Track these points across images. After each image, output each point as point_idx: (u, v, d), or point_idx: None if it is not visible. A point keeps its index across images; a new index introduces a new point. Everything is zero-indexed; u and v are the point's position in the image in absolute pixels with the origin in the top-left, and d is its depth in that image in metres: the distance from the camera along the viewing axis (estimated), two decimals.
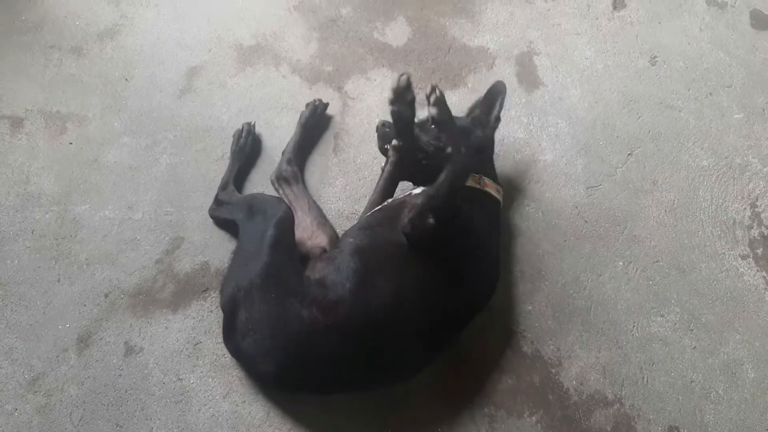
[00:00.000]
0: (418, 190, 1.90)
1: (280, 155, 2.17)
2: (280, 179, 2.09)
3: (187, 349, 1.88)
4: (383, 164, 1.99)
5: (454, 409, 1.85)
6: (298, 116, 2.25)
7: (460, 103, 2.31)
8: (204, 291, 1.96)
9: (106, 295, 1.94)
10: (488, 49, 2.56)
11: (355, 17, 2.59)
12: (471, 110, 2.14)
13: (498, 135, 2.31)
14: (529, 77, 2.50)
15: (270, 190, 2.12)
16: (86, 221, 2.05)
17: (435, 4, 2.65)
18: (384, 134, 1.98)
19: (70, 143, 2.19)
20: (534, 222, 2.18)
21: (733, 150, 2.38)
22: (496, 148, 2.15)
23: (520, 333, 1.99)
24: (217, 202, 2.04)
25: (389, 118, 1.79)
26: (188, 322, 1.91)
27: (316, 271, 1.69)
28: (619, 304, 2.05)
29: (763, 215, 2.25)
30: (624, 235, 2.18)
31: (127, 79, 2.34)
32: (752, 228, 2.23)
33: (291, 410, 1.80)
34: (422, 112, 1.81)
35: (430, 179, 1.74)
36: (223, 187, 2.06)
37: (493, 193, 1.92)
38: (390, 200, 1.94)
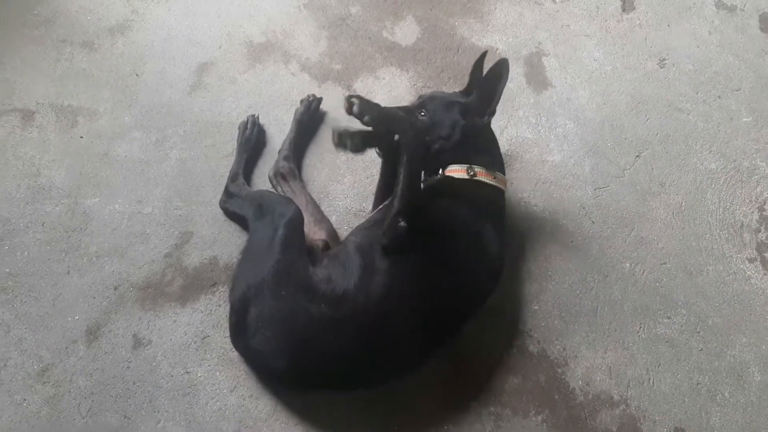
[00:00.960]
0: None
1: None
2: (278, 176, 2.10)
3: (195, 342, 1.88)
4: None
5: (461, 407, 1.86)
6: None
7: None
8: (212, 285, 1.97)
9: (115, 288, 1.94)
10: (497, 49, 2.56)
11: (365, 16, 2.60)
12: (470, 85, 2.01)
13: (506, 135, 2.33)
14: (537, 78, 2.50)
15: (269, 188, 2.13)
16: (96, 214, 2.06)
17: (444, 4, 2.66)
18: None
19: (81, 137, 2.20)
20: (541, 222, 2.18)
21: (741, 153, 2.39)
22: (504, 148, 2.15)
23: (526, 332, 1.99)
24: (227, 193, 2.05)
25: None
26: (196, 315, 1.92)
27: (322, 268, 1.71)
28: (626, 305, 2.06)
29: None
30: (631, 236, 2.18)
31: (137, 74, 2.35)
32: (760, 231, 2.23)
33: (298, 405, 1.81)
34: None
35: (432, 168, 1.85)
36: (233, 178, 2.07)
37: (488, 181, 1.86)
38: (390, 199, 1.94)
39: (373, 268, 1.66)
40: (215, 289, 1.96)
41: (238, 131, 2.21)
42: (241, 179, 2.07)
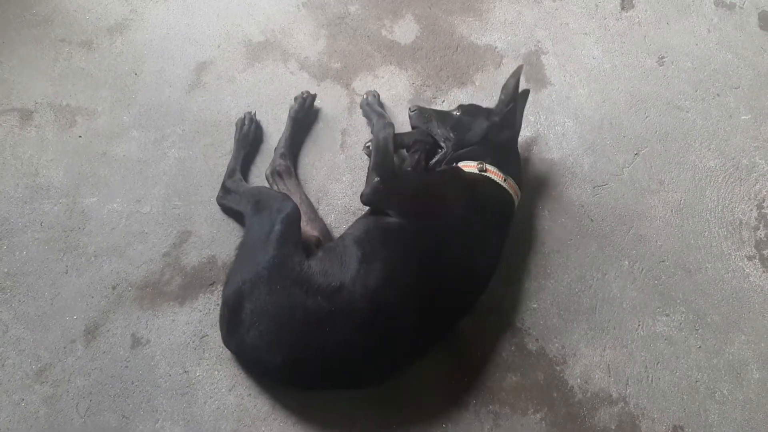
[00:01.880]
0: None
1: None
2: (275, 174, 2.11)
3: (193, 341, 1.88)
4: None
5: (459, 405, 1.86)
6: None
7: (467, 101, 2.31)
8: (211, 284, 1.97)
9: (113, 288, 1.95)
10: (496, 47, 2.56)
11: (364, 15, 2.59)
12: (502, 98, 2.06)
13: None
14: (536, 76, 2.50)
15: (266, 185, 2.13)
16: (95, 214, 2.06)
17: (443, 3, 2.66)
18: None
19: (80, 136, 2.20)
20: (540, 220, 2.18)
21: (740, 151, 2.38)
22: None
23: (525, 330, 1.99)
24: (225, 189, 2.05)
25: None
26: (195, 315, 1.92)
27: (318, 261, 1.71)
28: (625, 303, 2.06)
29: None
30: (630, 234, 2.18)
31: (136, 74, 2.35)
32: (759, 229, 2.23)
33: (296, 404, 1.81)
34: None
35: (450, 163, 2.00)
36: (230, 174, 2.08)
37: (498, 180, 1.92)
38: None
39: (371, 259, 1.67)
40: (214, 288, 1.96)
41: (235, 128, 2.21)
42: (238, 175, 2.08)
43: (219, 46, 2.45)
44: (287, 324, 1.61)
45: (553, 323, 2.01)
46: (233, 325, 1.68)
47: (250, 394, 1.82)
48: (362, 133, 2.29)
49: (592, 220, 2.20)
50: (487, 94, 2.40)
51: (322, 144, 2.27)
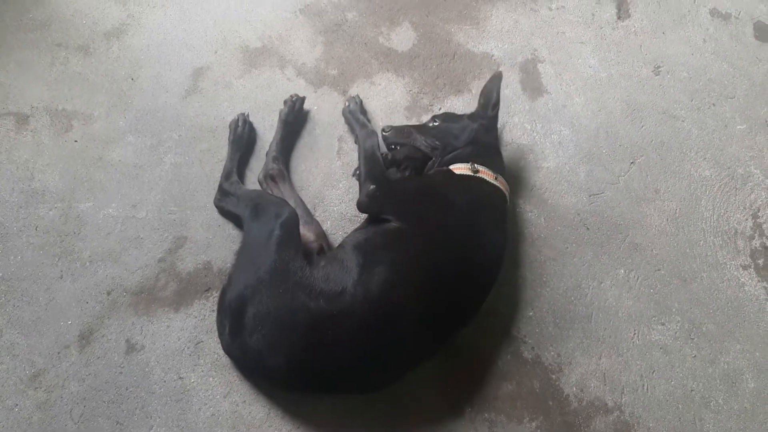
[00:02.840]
0: None
1: None
2: (267, 178, 2.11)
3: (188, 348, 1.88)
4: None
5: (455, 413, 1.85)
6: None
7: (464, 109, 2.32)
8: (206, 290, 1.97)
9: (108, 293, 1.94)
10: (493, 55, 2.57)
11: (361, 22, 2.60)
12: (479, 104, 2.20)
13: (501, 141, 2.33)
14: (533, 84, 2.51)
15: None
16: (90, 219, 2.05)
17: (440, 10, 2.67)
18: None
19: (76, 141, 2.19)
20: (536, 228, 2.19)
21: (736, 160, 2.40)
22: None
23: (521, 338, 1.99)
24: (222, 191, 2.05)
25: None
26: (190, 321, 1.92)
27: (320, 269, 1.71)
28: (620, 312, 2.06)
29: (764, 226, 2.26)
30: (626, 243, 2.19)
31: (132, 79, 2.35)
32: (753, 238, 2.23)
33: (291, 411, 1.80)
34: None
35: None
36: (227, 176, 2.08)
37: (489, 179, 1.95)
38: None
39: (373, 263, 1.67)
40: (209, 294, 1.96)
41: (228, 129, 2.21)
42: (234, 177, 2.08)
43: (216, 52, 2.45)
44: (290, 327, 1.60)
45: (548, 331, 2.01)
46: (236, 330, 1.68)
47: (245, 401, 1.82)
48: None
49: (588, 228, 2.20)
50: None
51: (319, 151, 2.27)
